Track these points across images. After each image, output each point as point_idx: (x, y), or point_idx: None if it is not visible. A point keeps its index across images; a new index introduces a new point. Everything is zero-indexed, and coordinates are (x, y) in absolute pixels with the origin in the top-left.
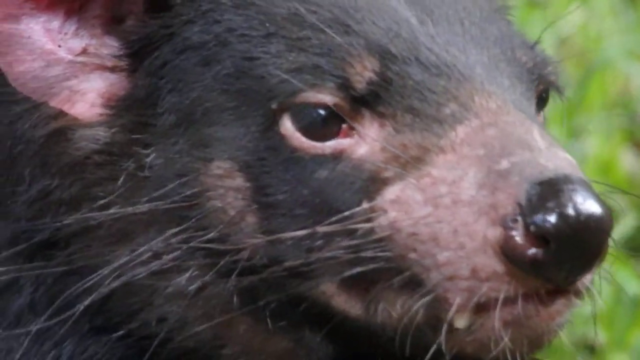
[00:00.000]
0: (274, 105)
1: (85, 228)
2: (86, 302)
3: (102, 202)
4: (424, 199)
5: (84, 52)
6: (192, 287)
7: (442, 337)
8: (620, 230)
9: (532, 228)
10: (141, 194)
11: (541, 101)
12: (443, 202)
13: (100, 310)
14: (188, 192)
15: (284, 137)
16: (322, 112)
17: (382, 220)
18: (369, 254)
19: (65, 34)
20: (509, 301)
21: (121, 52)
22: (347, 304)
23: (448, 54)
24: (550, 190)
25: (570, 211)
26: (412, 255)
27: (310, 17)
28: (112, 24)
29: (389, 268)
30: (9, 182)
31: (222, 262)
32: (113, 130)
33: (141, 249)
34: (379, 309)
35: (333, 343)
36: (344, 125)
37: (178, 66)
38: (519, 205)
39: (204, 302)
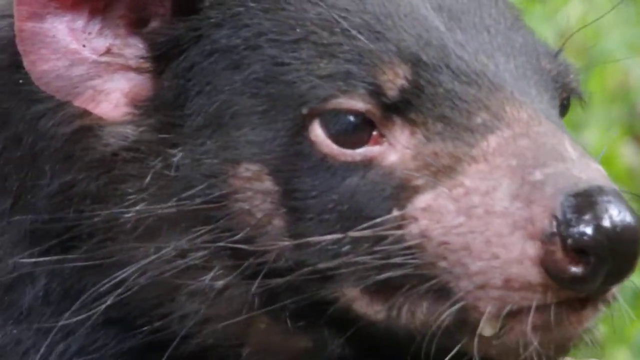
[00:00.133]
0: (304, 111)
1: (111, 223)
2: (112, 298)
3: (129, 198)
4: (456, 209)
5: (107, 52)
6: (215, 287)
7: (466, 342)
8: None
9: (569, 241)
10: (168, 193)
11: (563, 108)
12: (476, 213)
13: (117, 304)
14: (216, 194)
15: (313, 143)
16: (353, 118)
17: (413, 228)
18: (397, 260)
19: (89, 33)
20: (541, 309)
21: (146, 53)
22: (369, 308)
23: (478, 62)
24: (586, 202)
25: (607, 223)
26: (442, 264)
27: (340, 23)
28: (137, 25)
29: (417, 275)
30: (29, 177)
31: (246, 264)
32: (141, 129)
33: (167, 248)
34: (402, 312)
35: (351, 343)
36: (374, 133)
37: (206, 69)
38: (555, 218)
39: (226, 302)
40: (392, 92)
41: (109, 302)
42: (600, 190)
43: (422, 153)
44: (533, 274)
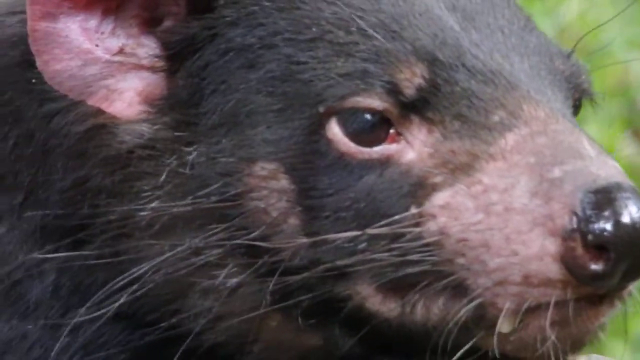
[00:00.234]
0: (321, 109)
1: (126, 220)
2: (126, 295)
3: (144, 195)
4: (475, 206)
5: (120, 51)
6: (229, 285)
7: (481, 338)
8: None
9: (590, 237)
10: (183, 191)
11: (575, 109)
12: (495, 210)
13: (128, 300)
14: (231, 192)
15: (330, 142)
16: (370, 117)
17: (431, 225)
18: (415, 257)
19: (102, 33)
20: (559, 304)
21: (159, 52)
22: (382, 305)
23: (493, 61)
24: (605, 198)
25: (627, 219)
26: (460, 260)
27: (356, 22)
28: (150, 24)
29: (434, 272)
30: (41, 173)
31: (260, 262)
32: (156, 127)
33: (182, 246)
34: (417, 309)
35: (362, 341)
36: (392, 131)
37: (221, 67)
38: (575, 214)
39: (239, 299)
40: (409, 90)
41: (123, 300)
42: (619, 187)
43: (440, 151)
44: (553, 270)
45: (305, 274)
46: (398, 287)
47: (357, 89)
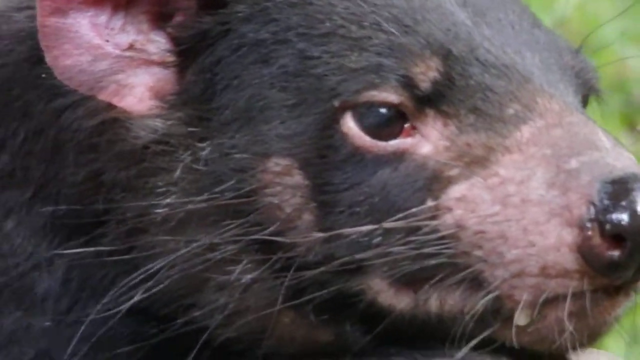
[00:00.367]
0: (336, 104)
1: (142, 215)
2: (141, 291)
3: (159, 191)
4: (491, 198)
5: (130, 47)
6: (243, 281)
7: (497, 330)
8: None
9: (607, 227)
10: (198, 187)
11: (582, 105)
12: (512, 201)
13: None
14: (246, 188)
15: (345, 136)
16: (386, 111)
17: (448, 218)
18: (431, 250)
19: (112, 29)
20: (577, 295)
21: (170, 48)
22: (395, 299)
23: (506, 56)
24: (622, 189)
25: None
26: (477, 253)
27: (369, 16)
28: (160, 19)
29: (450, 264)
30: (52, 168)
31: (275, 258)
32: (169, 122)
33: (198, 242)
34: (431, 302)
35: (374, 336)
36: (407, 125)
37: (234, 63)
38: (593, 204)
39: (253, 295)
40: (424, 84)
41: (137, 296)
42: (635, 178)
43: (455, 144)
44: (570, 260)
45: (320, 269)
46: (412, 280)
47: (372, 83)
